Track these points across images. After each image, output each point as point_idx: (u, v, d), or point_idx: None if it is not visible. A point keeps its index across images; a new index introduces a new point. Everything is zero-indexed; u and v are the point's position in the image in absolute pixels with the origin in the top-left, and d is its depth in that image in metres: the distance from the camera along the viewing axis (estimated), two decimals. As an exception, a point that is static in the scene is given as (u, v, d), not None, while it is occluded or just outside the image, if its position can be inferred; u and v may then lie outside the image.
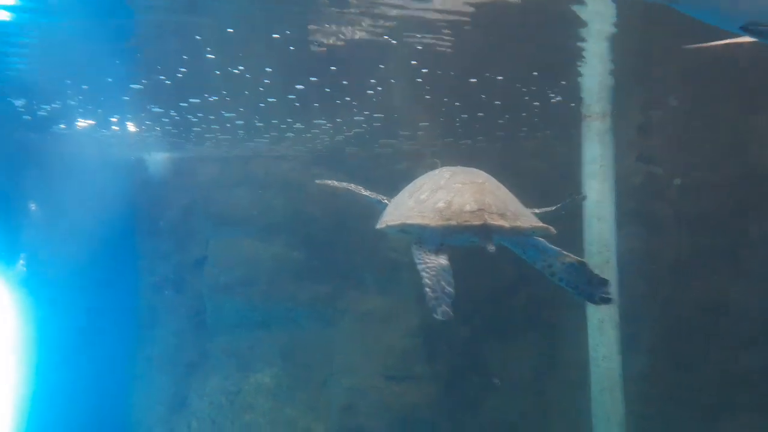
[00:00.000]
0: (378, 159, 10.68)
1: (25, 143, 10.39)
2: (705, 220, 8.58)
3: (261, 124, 9.38)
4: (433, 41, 6.09)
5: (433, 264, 4.02)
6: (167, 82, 7.27)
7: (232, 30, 5.89)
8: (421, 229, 4.20)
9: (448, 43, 6.17)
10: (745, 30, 2.16)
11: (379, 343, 10.13)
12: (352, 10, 5.40)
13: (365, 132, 9.58)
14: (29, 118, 9.20)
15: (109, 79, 7.42)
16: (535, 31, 5.83)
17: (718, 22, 2.25)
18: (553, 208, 4.90)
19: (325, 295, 10.61)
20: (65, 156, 10.68)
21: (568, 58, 6.54)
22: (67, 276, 10.56)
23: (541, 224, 4.33)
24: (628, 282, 7.51)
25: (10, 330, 10.93)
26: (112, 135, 10.38)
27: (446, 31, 5.83)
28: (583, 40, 5.96)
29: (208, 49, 6.29)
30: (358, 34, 6.02)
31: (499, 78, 7.29)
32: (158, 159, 12.13)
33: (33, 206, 11.13)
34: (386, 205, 5.04)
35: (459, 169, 4.74)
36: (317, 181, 6.11)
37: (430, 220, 4.12)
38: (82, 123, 9.58)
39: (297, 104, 8.23)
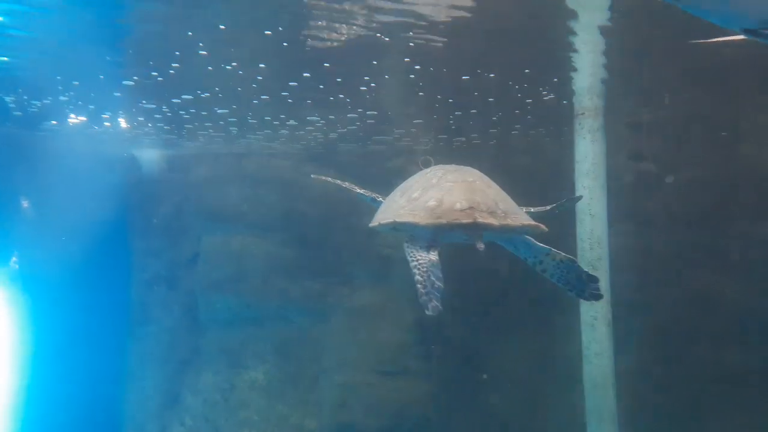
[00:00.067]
0: (371, 156, 10.68)
1: (16, 140, 10.33)
2: (696, 218, 8.66)
3: (254, 121, 9.36)
4: (426, 38, 6.09)
5: (424, 261, 4.07)
6: (159, 78, 7.24)
7: (224, 27, 5.87)
8: (413, 227, 4.25)
9: (441, 41, 6.17)
10: (752, 34, 2.15)
11: (371, 339, 10.15)
12: (346, 7, 5.40)
13: (359, 129, 9.58)
14: (20, 114, 9.14)
15: (101, 76, 7.39)
16: (527, 22, 5.83)
17: (720, 22, 2.24)
18: (548, 207, 4.93)
19: (318, 291, 10.61)
20: (57, 153, 10.62)
21: (561, 52, 6.55)
22: (60, 273, 10.50)
23: (531, 222, 4.37)
24: (620, 278, 7.55)
25: (2, 327, 10.89)
26: (103, 132, 10.34)
27: (440, 27, 5.83)
28: (573, 33, 5.97)
29: (201, 45, 6.27)
30: (352, 31, 6.02)
31: (491, 75, 7.30)
32: (150, 156, 12.09)
33: (25, 204, 11.07)
34: (380, 203, 5.08)
35: (451, 167, 4.77)
36: (312, 176, 6.18)
37: (421, 218, 4.17)
38: (73, 119, 9.53)
39: (290, 101, 8.22)
